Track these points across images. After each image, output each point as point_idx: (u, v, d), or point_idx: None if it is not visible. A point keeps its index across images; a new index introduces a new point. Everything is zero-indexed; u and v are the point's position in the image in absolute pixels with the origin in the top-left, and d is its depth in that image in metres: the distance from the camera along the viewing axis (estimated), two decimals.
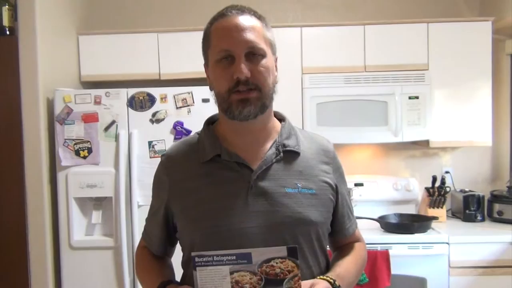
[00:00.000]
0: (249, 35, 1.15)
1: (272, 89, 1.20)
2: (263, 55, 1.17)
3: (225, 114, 1.19)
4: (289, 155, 1.24)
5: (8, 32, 2.69)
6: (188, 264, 1.23)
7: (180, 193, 1.23)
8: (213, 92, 1.23)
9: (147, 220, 1.38)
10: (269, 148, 1.23)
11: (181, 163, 1.26)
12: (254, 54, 1.15)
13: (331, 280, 1.15)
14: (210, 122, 1.32)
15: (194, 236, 1.20)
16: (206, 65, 1.26)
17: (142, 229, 1.41)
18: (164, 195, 1.26)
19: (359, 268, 1.32)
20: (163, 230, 1.30)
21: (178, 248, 1.37)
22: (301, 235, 1.19)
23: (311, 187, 1.22)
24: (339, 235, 1.34)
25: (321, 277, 1.17)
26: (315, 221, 1.20)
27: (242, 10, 1.19)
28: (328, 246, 1.35)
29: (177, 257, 1.36)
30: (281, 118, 1.31)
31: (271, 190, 1.18)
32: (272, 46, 1.22)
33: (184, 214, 1.22)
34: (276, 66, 1.24)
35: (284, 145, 1.24)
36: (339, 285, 1.15)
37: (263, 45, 1.17)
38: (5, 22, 2.68)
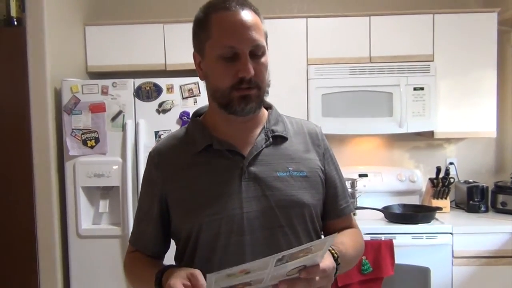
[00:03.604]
0: (254, 34, 1.15)
1: (268, 85, 1.22)
2: (263, 53, 1.18)
3: (224, 110, 1.19)
4: (278, 140, 1.26)
5: (16, 23, 2.72)
6: (182, 257, 1.25)
7: (175, 185, 1.23)
8: (205, 83, 1.24)
9: (135, 223, 1.34)
10: (258, 135, 1.25)
11: (172, 156, 1.27)
12: (256, 52, 1.16)
13: (335, 255, 1.14)
14: (197, 115, 1.33)
15: (192, 226, 1.20)
16: (198, 53, 1.23)
17: None
18: (157, 191, 1.26)
19: (356, 252, 1.31)
20: (157, 227, 1.28)
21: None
22: (295, 217, 1.21)
23: (302, 170, 1.24)
24: (332, 216, 1.33)
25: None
26: (307, 203, 1.23)
27: (242, 3, 1.18)
28: (322, 232, 1.34)
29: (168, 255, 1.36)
30: (268, 106, 1.32)
31: (263, 174, 1.21)
32: (267, 39, 1.23)
33: (180, 205, 1.23)
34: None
35: (272, 131, 1.26)
36: (339, 263, 1.14)
37: (264, 43, 1.18)
38: (13, 13, 2.71)
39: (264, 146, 1.24)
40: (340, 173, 1.36)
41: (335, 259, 1.13)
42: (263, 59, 1.18)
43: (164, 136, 2.75)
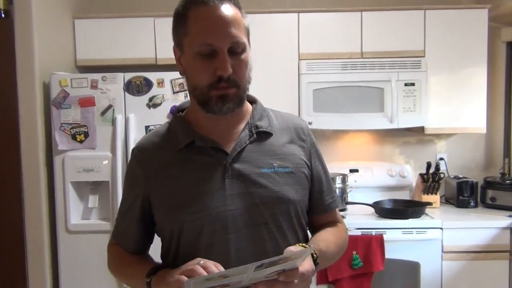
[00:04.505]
0: (233, 30, 1.11)
1: (248, 82, 1.19)
2: (243, 49, 1.15)
3: (203, 108, 1.17)
4: (262, 136, 1.24)
5: (3, 15, 2.67)
6: (167, 256, 1.23)
7: (157, 183, 1.21)
8: (185, 78, 1.21)
9: (118, 218, 1.33)
10: (242, 130, 1.23)
11: (155, 154, 1.24)
12: (235, 49, 1.13)
13: (315, 255, 1.14)
14: (180, 110, 1.30)
15: (174, 224, 1.18)
16: (178, 48, 1.20)
17: None
18: (139, 189, 1.23)
19: (339, 249, 1.31)
20: (139, 226, 1.27)
21: (155, 243, 1.34)
22: (280, 213, 1.20)
23: (287, 165, 1.22)
24: (318, 211, 1.32)
25: (303, 245, 1.18)
26: (292, 199, 1.21)
27: None
28: (308, 227, 1.34)
29: (153, 251, 1.34)
30: (252, 100, 1.30)
31: (247, 171, 1.18)
32: (249, 34, 1.20)
33: (162, 204, 1.21)
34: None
35: (256, 127, 1.24)
36: (318, 263, 1.15)
37: (244, 39, 1.15)
38: (1, 5, 2.66)
39: (248, 142, 1.21)
40: (325, 168, 1.35)
41: (314, 260, 1.13)
42: (243, 56, 1.15)
43: None
